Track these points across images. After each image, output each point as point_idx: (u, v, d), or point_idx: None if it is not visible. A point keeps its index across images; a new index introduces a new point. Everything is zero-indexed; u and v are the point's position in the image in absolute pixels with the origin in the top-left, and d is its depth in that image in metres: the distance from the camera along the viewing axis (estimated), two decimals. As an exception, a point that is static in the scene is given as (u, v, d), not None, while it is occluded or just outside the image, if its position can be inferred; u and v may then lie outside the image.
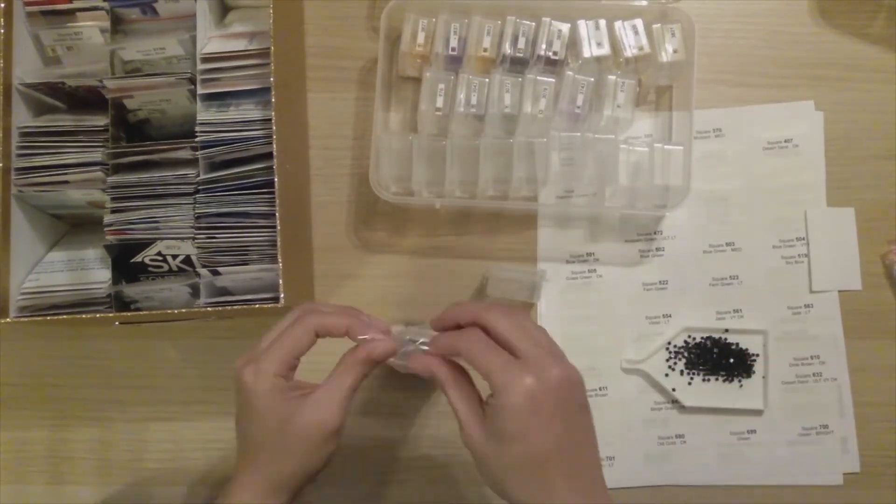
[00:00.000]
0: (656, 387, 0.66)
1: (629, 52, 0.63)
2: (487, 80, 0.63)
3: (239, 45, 0.59)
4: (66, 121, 0.59)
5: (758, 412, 0.65)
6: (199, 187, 0.58)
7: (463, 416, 0.47)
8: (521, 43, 0.63)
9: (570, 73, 0.63)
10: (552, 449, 0.45)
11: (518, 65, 0.64)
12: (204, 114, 0.58)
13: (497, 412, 0.45)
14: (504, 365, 0.46)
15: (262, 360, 0.49)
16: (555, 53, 0.63)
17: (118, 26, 0.61)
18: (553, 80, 0.63)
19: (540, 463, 0.45)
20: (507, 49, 0.63)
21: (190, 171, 0.58)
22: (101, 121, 0.59)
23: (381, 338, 0.50)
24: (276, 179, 0.56)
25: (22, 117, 0.59)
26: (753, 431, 0.65)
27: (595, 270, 0.67)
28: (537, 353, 0.46)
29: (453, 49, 0.64)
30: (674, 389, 0.65)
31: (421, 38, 0.64)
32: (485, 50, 0.64)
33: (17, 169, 0.58)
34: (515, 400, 0.45)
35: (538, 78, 0.63)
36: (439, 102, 0.63)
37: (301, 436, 0.49)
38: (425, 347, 0.51)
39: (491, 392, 0.46)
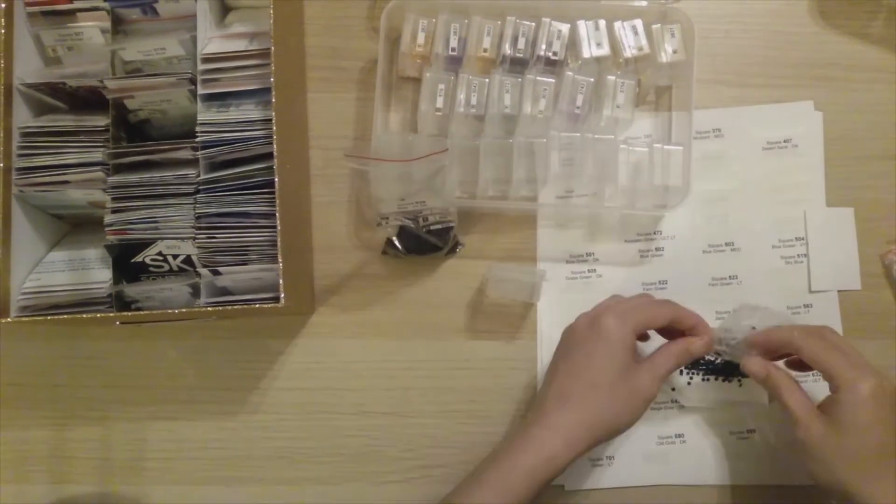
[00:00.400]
0: (656, 387, 0.66)
1: (629, 52, 0.64)
2: (487, 80, 0.63)
3: (239, 45, 0.59)
4: (66, 121, 0.60)
5: (758, 412, 0.65)
6: (200, 187, 0.58)
7: (802, 413, 0.53)
8: (521, 43, 0.63)
9: (569, 73, 0.63)
10: (891, 442, 0.51)
11: (518, 65, 0.64)
12: (204, 114, 0.58)
13: (843, 406, 0.52)
14: (849, 364, 0.53)
15: (628, 317, 0.55)
16: (555, 54, 0.63)
17: (119, 26, 0.61)
18: (553, 80, 0.63)
19: (879, 453, 0.51)
20: (507, 49, 0.63)
21: (190, 171, 0.58)
22: (101, 121, 0.59)
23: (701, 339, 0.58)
24: (276, 179, 0.56)
25: (23, 117, 0.59)
26: (753, 431, 0.65)
27: (595, 270, 0.67)
28: (865, 366, 0.53)
29: (453, 49, 0.64)
30: (673, 389, 0.65)
31: (421, 38, 0.64)
32: (485, 50, 0.64)
33: (18, 169, 0.58)
34: (865, 394, 0.51)
35: (538, 78, 0.63)
36: (439, 103, 0.63)
37: (632, 391, 0.55)
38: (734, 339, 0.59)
39: (833, 389, 0.53)
